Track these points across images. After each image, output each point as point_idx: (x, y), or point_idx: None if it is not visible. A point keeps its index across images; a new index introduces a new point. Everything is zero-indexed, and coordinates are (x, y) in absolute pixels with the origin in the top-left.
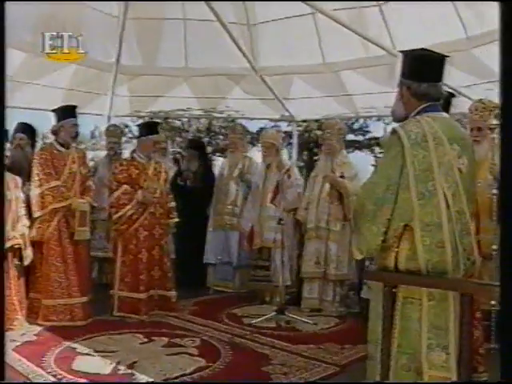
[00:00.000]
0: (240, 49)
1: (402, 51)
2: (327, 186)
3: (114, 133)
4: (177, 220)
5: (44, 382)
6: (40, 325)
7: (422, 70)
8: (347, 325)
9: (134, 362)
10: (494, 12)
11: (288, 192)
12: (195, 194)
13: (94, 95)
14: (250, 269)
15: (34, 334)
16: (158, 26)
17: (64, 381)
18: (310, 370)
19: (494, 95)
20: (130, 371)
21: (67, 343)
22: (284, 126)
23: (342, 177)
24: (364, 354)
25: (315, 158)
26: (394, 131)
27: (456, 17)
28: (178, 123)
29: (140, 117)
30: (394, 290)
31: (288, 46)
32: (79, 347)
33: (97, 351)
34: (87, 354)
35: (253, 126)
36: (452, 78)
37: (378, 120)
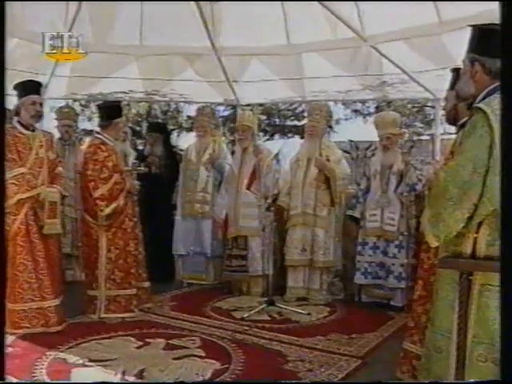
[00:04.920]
0: (206, 26)
1: (471, 25)
2: (314, 170)
3: (68, 114)
4: None
5: (44, 382)
6: (9, 333)
7: (497, 45)
8: (341, 313)
9: (142, 371)
10: None
11: (267, 178)
12: (162, 181)
13: (30, 75)
14: (224, 258)
15: (8, 346)
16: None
17: None
18: (334, 364)
19: (444, 81)
20: (140, 381)
21: (53, 353)
22: (221, 111)
23: (327, 160)
24: (378, 343)
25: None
26: (478, 109)
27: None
28: None
29: (76, 100)
30: (470, 278)
31: (252, 25)
32: (69, 357)
33: (92, 360)
34: (83, 365)
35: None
36: (410, 62)
37: None
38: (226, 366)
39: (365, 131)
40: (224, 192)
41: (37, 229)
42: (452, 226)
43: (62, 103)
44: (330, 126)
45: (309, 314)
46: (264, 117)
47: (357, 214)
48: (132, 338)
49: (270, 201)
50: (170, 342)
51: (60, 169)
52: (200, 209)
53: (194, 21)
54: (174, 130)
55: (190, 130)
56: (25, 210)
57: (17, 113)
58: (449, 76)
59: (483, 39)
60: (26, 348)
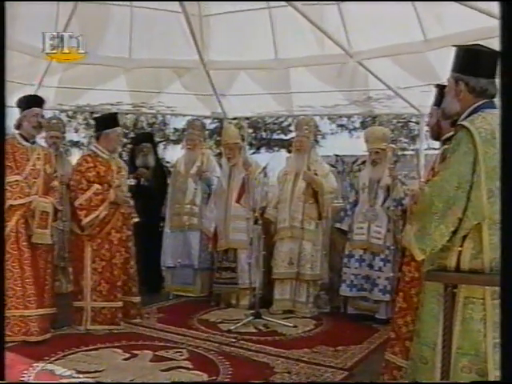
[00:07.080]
0: (195, 40)
1: (456, 45)
2: (301, 183)
3: (57, 126)
4: (137, 220)
5: (47, 382)
6: None
7: (481, 65)
8: (327, 326)
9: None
10: (453, 15)
11: (256, 191)
12: (151, 193)
13: (17, 85)
14: (214, 271)
15: None
16: (103, 13)
17: None
18: (320, 376)
19: (428, 97)
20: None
21: (40, 364)
22: (207, 124)
23: (315, 174)
24: (364, 355)
25: None
26: (462, 127)
27: (415, 18)
28: None
29: (63, 111)
30: (454, 291)
31: (241, 40)
32: (56, 368)
33: (80, 372)
34: (71, 377)
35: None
36: (395, 78)
37: None
38: (213, 377)
39: (350, 145)
40: (213, 205)
41: (26, 237)
42: (437, 239)
43: (49, 114)
44: (316, 141)
45: (295, 326)
46: (250, 130)
47: (345, 227)
48: (119, 350)
49: (257, 214)
50: (157, 353)
51: (56, 183)
52: (188, 221)
53: (183, 35)
54: (160, 142)
55: (176, 142)
56: (16, 218)
57: (19, 125)
58: (433, 92)
59: (467, 59)
60: (13, 359)
